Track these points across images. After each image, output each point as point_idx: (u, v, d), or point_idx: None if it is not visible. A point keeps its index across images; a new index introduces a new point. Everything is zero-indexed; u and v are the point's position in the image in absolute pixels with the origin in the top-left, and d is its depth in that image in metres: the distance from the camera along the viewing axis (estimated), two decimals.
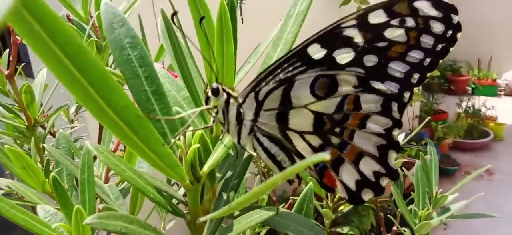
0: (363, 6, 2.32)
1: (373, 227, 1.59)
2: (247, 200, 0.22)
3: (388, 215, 0.65)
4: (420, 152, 0.65)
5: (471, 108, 3.08)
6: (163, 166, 0.25)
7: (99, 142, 0.59)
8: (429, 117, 0.83)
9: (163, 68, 0.52)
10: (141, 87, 0.30)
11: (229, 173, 0.35)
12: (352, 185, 0.24)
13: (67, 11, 0.59)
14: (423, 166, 0.62)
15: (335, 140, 0.24)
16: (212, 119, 0.25)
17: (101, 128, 0.55)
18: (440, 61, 0.24)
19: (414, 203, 0.62)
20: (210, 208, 0.36)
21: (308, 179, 0.39)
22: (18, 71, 0.50)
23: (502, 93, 3.91)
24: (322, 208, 0.64)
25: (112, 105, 0.20)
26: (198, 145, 0.27)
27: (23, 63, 0.53)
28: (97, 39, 0.55)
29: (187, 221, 0.30)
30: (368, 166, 0.24)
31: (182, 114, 0.25)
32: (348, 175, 0.24)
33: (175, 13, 0.24)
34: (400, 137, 0.63)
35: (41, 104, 0.52)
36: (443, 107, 3.13)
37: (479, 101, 3.12)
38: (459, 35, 0.23)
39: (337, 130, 0.24)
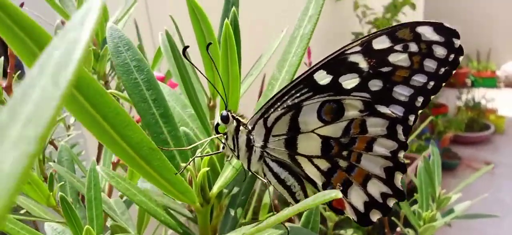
0: (359, 2, 2.31)
1: (373, 227, 1.59)
2: (260, 230, 0.22)
3: (392, 217, 0.66)
4: (423, 154, 0.65)
5: (471, 101, 3.08)
6: (174, 192, 0.25)
7: (98, 149, 0.59)
8: (431, 116, 0.83)
9: (161, 76, 0.52)
10: (149, 111, 0.30)
11: (235, 189, 0.36)
12: (360, 207, 0.25)
13: (61, 18, 0.59)
14: (426, 167, 0.63)
15: (343, 163, 0.25)
16: (221, 145, 0.26)
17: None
18: (443, 84, 0.25)
19: (418, 204, 0.62)
20: (217, 225, 0.37)
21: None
22: (14, 78, 0.50)
23: (501, 84, 3.91)
24: (326, 211, 0.65)
25: (127, 139, 0.20)
26: (207, 169, 0.27)
27: (19, 71, 0.53)
28: (94, 47, 0.56)
29: None
30: (376, 188, 0.25)
31: (194, 145, 0.25)
32: (356, 197, 0.25)
33: (186, 48, 0.24)
34: None
35: None
36: (443, 101, 3.13)
37: (478, 94, 3.12)
38: (461, 58, 0.24)
39: (344, 153, 0.24)
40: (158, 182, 0.24)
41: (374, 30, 2.63)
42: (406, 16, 2.26)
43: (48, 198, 0.45)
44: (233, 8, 0.35)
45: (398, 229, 0.64)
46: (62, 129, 0.76)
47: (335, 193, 0.15)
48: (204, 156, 0.26)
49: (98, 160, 0.58)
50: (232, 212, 0.35)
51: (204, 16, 0.34)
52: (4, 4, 0.13)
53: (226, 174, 0.30)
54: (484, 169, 0.67)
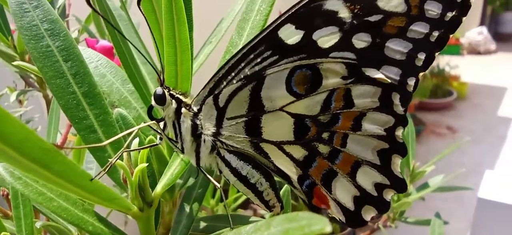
0: None
1: None
2: None
3: None
4: None
5: (436, 68, 3.15)
6: (97, 200, 0.18)
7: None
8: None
9: (109, 46, 0.43)
10: (67, 89, 0.23)
11: (191, 180, 0.29)
12: (349, 203, 0.19)
13: None
14: None
15: (323, 148, 0.19)
16: (158, 137, 0.19)
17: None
18: (451, 35, 0.19)
19: None
20: (170, 222, 0.31)
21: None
22: None
23: (465, 52, 4.02)
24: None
25: (4, 137, 0.13)
26: (145, 165, 0.20)
27: None
28: None
29: None
30: (368, 178, 0.19)
31: (114, 138, 0.19)
32: (343, 192, 0.19)
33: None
34: None
35: None
36: None
37: (443, 61, 3.18)
38: None
39: (325, 135, 0.18)
40: (70, 190, 0.17)
41: None
42: None
43: None
44: None
45: None
46: (15, 103, 0.67)
47: (322, 225, 0.09)
48: (139, 149, 0.19)
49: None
50: (187, 208, 0.29)
51: None
52: None
53: (174, 168, 0.23)
54: (459, 142, 0.67)
